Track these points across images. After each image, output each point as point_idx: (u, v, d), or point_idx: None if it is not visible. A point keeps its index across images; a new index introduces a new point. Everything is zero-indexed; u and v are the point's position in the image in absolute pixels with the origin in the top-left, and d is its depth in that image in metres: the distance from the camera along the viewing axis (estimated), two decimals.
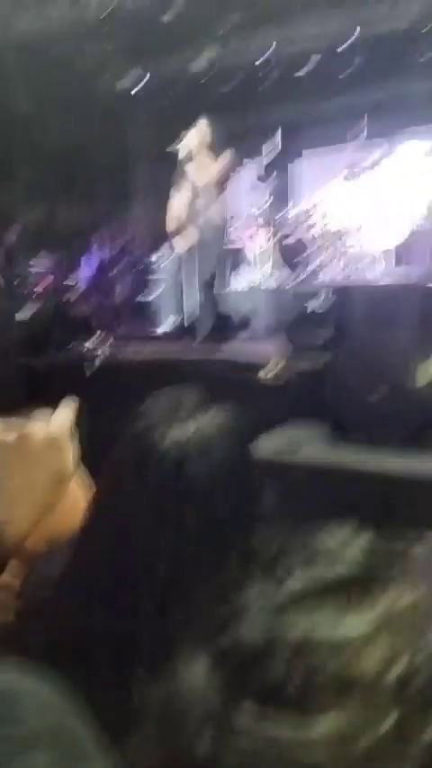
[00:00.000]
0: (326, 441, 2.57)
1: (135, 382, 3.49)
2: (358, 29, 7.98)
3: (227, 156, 4.25)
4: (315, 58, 8.36)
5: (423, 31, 7.77)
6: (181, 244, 4.44)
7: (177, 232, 4.45)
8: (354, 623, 0.42)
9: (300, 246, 6.00)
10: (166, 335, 5.06)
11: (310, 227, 6.17)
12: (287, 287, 5.51)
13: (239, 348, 3.94)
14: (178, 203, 4.40)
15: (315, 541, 0.90)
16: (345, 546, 0.67)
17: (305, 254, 5.95)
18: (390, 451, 2.39)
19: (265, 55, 8.44)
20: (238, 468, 0.99)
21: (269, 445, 2.54)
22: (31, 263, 6.84)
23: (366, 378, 2.63)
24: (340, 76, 8.41)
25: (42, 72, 8.07)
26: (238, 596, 0.69)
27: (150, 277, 5.76)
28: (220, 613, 0.67)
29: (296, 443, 2.56)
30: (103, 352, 3.67)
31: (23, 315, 3.88)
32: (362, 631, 0.42)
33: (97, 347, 3.67)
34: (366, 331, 2.74)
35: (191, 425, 0.95)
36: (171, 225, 4.49)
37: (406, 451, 2.40)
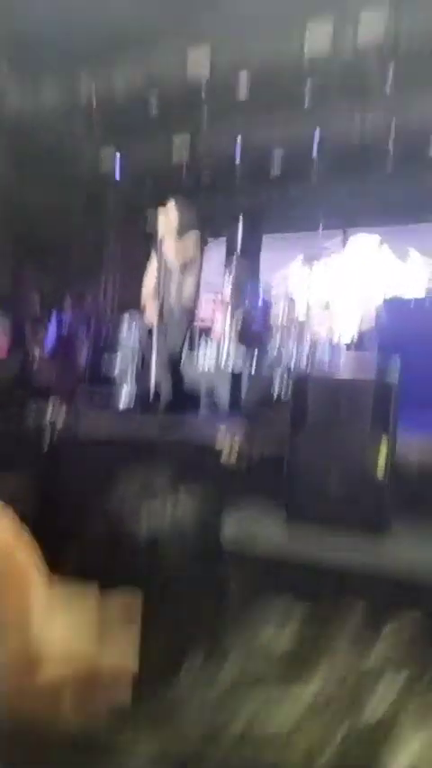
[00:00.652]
0: (283, 527, 2.57)
1: (93, 457, 3.45)
2: (318, 129, 8.58)
3: (192, 238, 4.40)
4: (279, 152, 8.90)
5: (379, 135, 8.40)
6: (151, 319, 4.52)
7: (148, 307, 4.54)
8: (287, 711, 0.45)
9: (260, 329, 6.17)
10: (128, 407, 5.04)
11: (271, 310, 6.36)
12: (248, 368, 5.61)
13: (201, 427, 3.96)
14: (150, 280, 4.51)
15: (258, 632, 0.93)
16: (279, 638, 0.72)
17: (266, 337, 6.11)
18: (345, 539, 2.41)
19: (234, 144, 8.95)
20: (209, 555, 1.00)
21: (228, 531, 2.52)
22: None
23: (323, 465, 2.68)
24: (301, 170, 8.96)
25: (27, 146, 8.32)
26: (184, 683, 0.71)
27: (115, 349, 5.79)
28: (165, 700, 0.69)
29: (254, 530, 2.55)
30: (61, 423, 3.62)
31: None
32: (294, 720, 0.45)
33: (56, 418, 3.63)
34: (323, 419, 2.81)
35: (165, 510, 0.97)
36: (144, 300, 4.59)
37: (362, 539, 2.42)
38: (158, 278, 4.39)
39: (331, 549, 2.40)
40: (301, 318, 6.29)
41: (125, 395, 5.35)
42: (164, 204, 4.50)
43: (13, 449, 3.38)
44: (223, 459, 3.33)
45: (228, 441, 3.37)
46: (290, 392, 3.11)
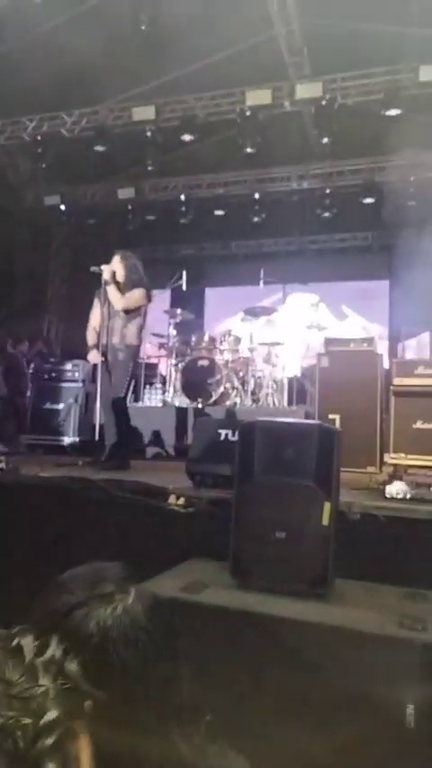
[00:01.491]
0: (229, 583, 2.48)
1: (37, 500, 3.28)
2: (258, 192, 8.90)
3: (136, 294, 4.39)
4: (219, 210, 9.15)
5: (318, 195, 8.78)
6: (94, 358, 4.44)
7: (93, 346, 4.46)
8: None
9: (207, 373, 6.16)
10: (72, 448, 4.87)
11: (217, 355, 6.38)
12: (192, 409, 5.57)
13: (149, 468, 3.85)
14: (95, 319, 4.44)
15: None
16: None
17: (212, 380, 6.10)
18: (290, 595, 2.34)
19: (178, 197, 9.13)
20: (165, 649, 0.92)
21: (173, 583, 2.41)
22: None
23: (269, 515, 2.62)
24: (242, 225, 9.21)
25: None
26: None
27: (62, 386, 5.62)
28: None
29: (199, 582, 2.45)
30: (2, 464, 3.44)
31: None
32: None
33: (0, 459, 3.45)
34: (270, 467, 2.76)
35: (116, 607, 0.89)
36: (89, 338, 4.50)
37: (306, 596, 2.36)
38: (102, 321, 4.33)
39: (276, 604, 2.33)
40: (245, 363, 6.34)
41: (70, 433, 5.18)
42: (110, 256, 4.48)
43: None
44: (171, 502, 3.24)
45: (177, 485, 3.29)
46: (236, 438, 3.07)
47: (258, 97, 7.17)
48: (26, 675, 0.45)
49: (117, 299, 4.33)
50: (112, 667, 0.80)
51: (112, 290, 4.33)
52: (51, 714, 0.44)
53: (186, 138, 7.67)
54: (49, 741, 0.43)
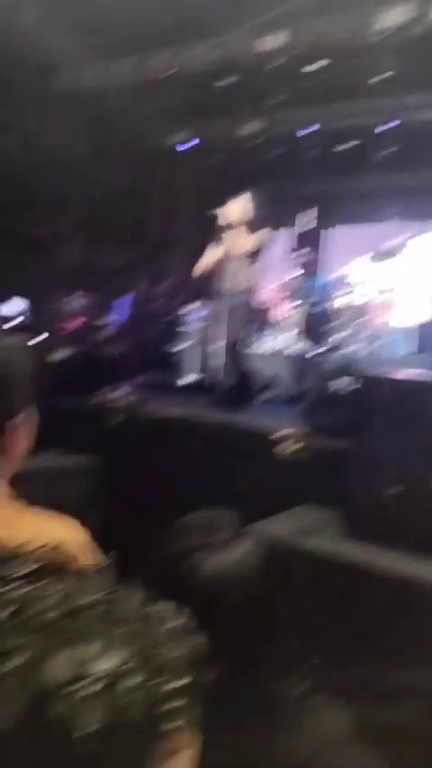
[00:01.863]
0: (337, 531, 2.47)
1: (156, 439, 3.44)
2: (398, 116, 8.20)
3: (264, 234, 4.29)
4: (354, 139, 8.58)
5: None
6: (215, 303, 4.45)
7: (204, 282, 4.48)
8: None
9: (326, 318, 5.99)
10: (188, 389, 5.01)
11: (338, 300, 6.17)
12: (310, 356, 5.48)
13: (260, 414, 3.89)
14: (210, 258, 4.42)
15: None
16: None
17: (330, 326, 5.93)
18: (402, 552, 2.29)
19: (308, 130, 8.68)
20: (276, 599, 0.94)
21: (280, 528, 2.45)
22: (65, 301, 6.86)
23: (384, 472, 2.55)
24: (377, 158, 8.59)
25: (102, 119, 8.32)
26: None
27: (179, 329, 5.74)
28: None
29: (307, 530, 2.47)
30: (125, 403, 3.62)
31: (54, 356, 3.85)
32: None
33: (121, 398, 3.63)
34: (389, 423, 2.67)
35: (228, 556, 0.92)
36: (197, 272, 4.51)
37: (418, 552, 2.30)
38: (222, 264, 4.32)
39: (386, 559, 2.29)
40: (368, 309, 6.07)
41: (186, 375, 5.32)
42: (237, 194, 4.39)
43: (80, 427, 3.41)
44: (281, 450, 3.25)
45: (289, 432, 3.29)
46: (356, 392, 2.99)
47: (398, 16, 6.50)
48: (165, 638, 0.48)
49: (242, 242, 4.26)
50: (226, 611, 0.83)
51: (237, 232, 4.26)
52: (182, 681, 0.46)
53: (318, 65, 7.20)
54: (177, 704, 0.45)
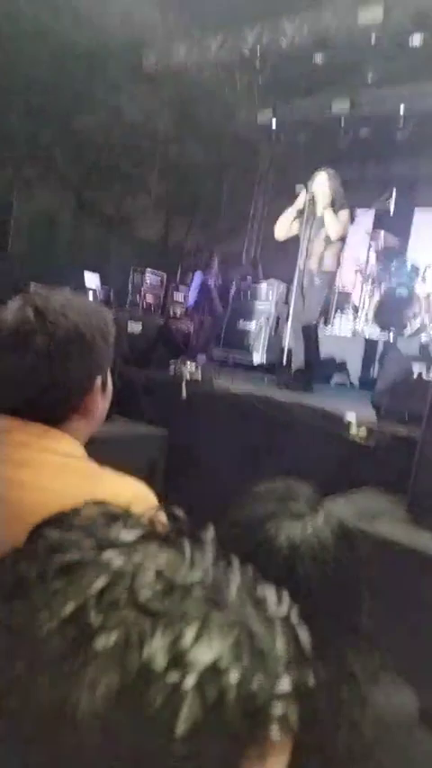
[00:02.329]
0: (400, 517, 2.43)
1: (225, 413, 3.48)
2: None
3: (345, 214, 4.19)
4: None
5: None
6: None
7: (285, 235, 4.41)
8: None
9: (404, 304, 5.82)
10: (260, 367, 5.02)
11: (418, 285, 5.96)
12: (386, 341, 5.35)
13: (331, 396, 3.85)
14: (288, 217, 4.35)
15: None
16: None
17: (409, 312, 5.75)
18: None
19: (394, 111, 8.33)
20: (348, 575, 0.93)
21: (346, 509, 2.44)
22: (145, 275, 6.98)
23: None
24: None
25: (190, 97, 8.31)
26: None
27: (255, 306, 5.73)
28: None
29: (370, 513, 2.45)
30: (198, 376, 3.67)
31: (134, 328, 3.95)
32: None
33: (194, 371, 3.69)
34: None
35: (306, 525, 0.91)
36: (279, 233, 4.45)
37: None
38: (301, 246, 4.25)
39: None
40: None
41: (261, 353, 5.31)
42: (314, 173, 4.30)
43: (152, 399, 3.49)
44: (353, 433, 3.21)
45: (361, 415, 3.24)
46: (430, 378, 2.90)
47: None
48: (267, 629, 0.41)
49: (331, 223, 4.17)
50: (297, 583, 0.83)
51: (329, 213, 4.17)
52: (284, 684, 0.40)
53: (416, 41, 6.85)
54: (278, 711, 0.39)
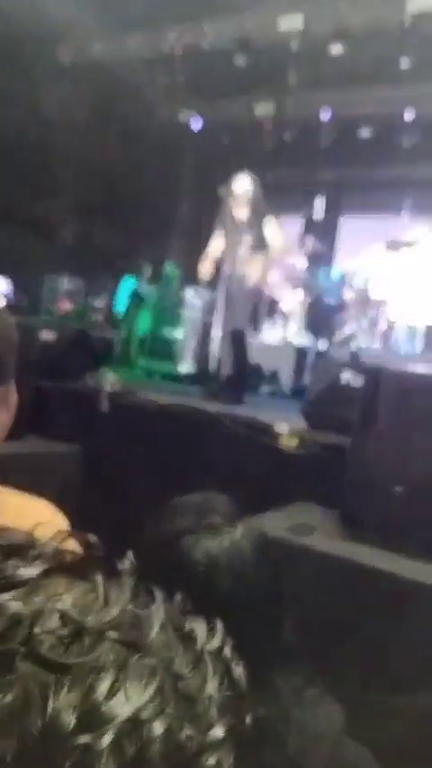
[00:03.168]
0: (337, 528, 2.45)
1: (148, 425, 3.41)
2: (413, 108, 8.16)
3: (270, 220, 4.26)
4: (366, 129, 8.53)
5: None
6: (218, 288, 4.42)
7: (211, 272, 4.43)
8: None
9: (333, 310, 5.97)
10: (187, 377, 4.98)
11: (346, 291, 6.14)
12: (315, 349, 5.46)
13: (262, 405, 3.86)
14: (217, 247, 4.38)
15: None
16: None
17: (338, 318, 5.91)
18: (401, 552, 2.27)
19: (321, 115, 8.64)
20: (268, 589, 0.92)
21: (280, 523, 2.43)
22: (62, 281, 6.81)
23: (386, 471, 2.52)
24: (391, 148, 8.55)
25: (108, 94, 8.24)
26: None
27: (180, 312, 5.70)
28: None
29: (306, 526, 2.45)
30: (116, 389, 3.58)
31: (47, 336, 3.81)
32: None
33: (116, 382, 3.59)
34: (393, 420, 2.64)
35: (224, 538, 0.89)
36: (204, 268, 4.46)
37: (418, 555, 2.27)
38: (226, 252, 4.27)
39: (382, 558, 2.26)
40: (379, 303, 6.04)
41: (186, 361, 5.28)
42: (236, 176, 4.34)
43: (68, 415, 3.37)
44: (283, 443, 3.23)
45: (290, 426, 3.26)
46: (361, 383, 2.96)
47: (423, 3, 6.47)
48: (195, 670, 0.37)
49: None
50: (216, 598, 0.81)
51: (242, 214, 4.20)
52: (217, 731, 0.36)
53: (336, 50, 7.15)
54: (211, 762, 0.35)
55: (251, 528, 0.91)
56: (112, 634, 0.35)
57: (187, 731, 0.34)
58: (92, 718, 0.32)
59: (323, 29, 7.14)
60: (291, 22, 7.17)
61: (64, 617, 0.34)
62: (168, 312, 5.83)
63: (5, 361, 1.04)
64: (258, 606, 0.85)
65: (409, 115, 8.28)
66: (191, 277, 6.99)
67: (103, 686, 0.33)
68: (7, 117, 7.41)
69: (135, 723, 0.32)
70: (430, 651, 1.92)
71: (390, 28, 6.83)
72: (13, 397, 1.08)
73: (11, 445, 1.14)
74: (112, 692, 0.32)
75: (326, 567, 2.22)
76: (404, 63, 6.79)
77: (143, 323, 6.05)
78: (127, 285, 6.60)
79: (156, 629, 0.37)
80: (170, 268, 7.21)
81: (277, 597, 0.90)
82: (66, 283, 6.92)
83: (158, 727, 0.33)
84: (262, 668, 0.81)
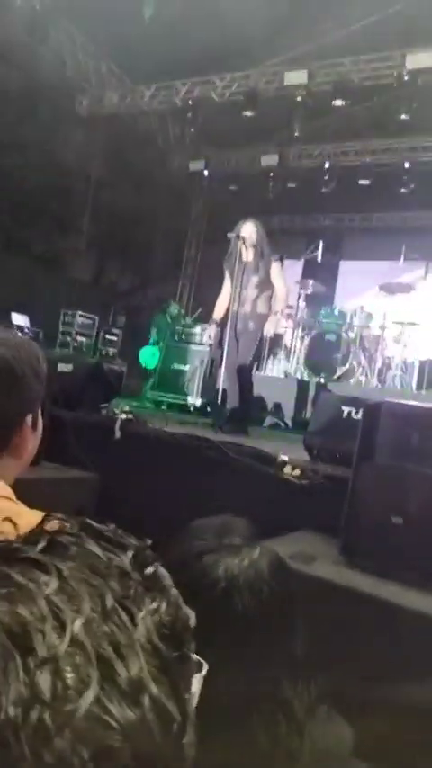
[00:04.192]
0: (337, 560, 2.46)
1: (159, 454, 3.44)
2: (408, 161, 8.40)
3: (273, 262, 4.37)
4: (364, 180, 8.76)
5: None
6: (212, 335, 4.55)
7: (219, 321, 4.53)
8: None
9: (333, 348, 6.04)
10: (195, 409, 5.03)
11: (345, 330, 6.23)
12: (316, 384, 5.51)
13: (263, 438, 3.90)
14: (226, 294, 4.48)
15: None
16: None
17: (338, 356, 5.98)
18: (400, 582, 2.28)
19: (320, 165, 8.88)
20: (283, 606, 0.94)
21: (282, 550, 2.44)
22: (76, 316, 6.92)
23: (387, 499, 2.55)
24: (387, 196, 8.76)
25: (122, 142, 8.51)
26: None
27: (189, 347, 5.78)
28: None
29: (307, 554, 2.46)
30: (127, 419, 3.63)
31: (65, 367, 3.88)
32: None
33: (128, 411, 3.64)
34: (393, 450, 2.67)
35: (243, 558, 0.92)
36: (217, 311, 4.56)
37: (416, 586, 2.28)
38: (234, 292, 4.37)
39: (381, 587, 2.27)
40: (377, 341, 6.12)
41: (193, 399, 5.33)
42: (243, 220, 4.47)
43: (83, 445, 3.41)
44: (287, 472, 3.25)
45: (290, 456, 3.29)
46: (360, 417, 3.00)
47: (420, 60, 6.73)
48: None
49: (255, 266, 4.32)
50: (235, 614, 0.84)
51: (248, 256, 4.32)
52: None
53: (338, 103, 7.40)
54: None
55: (269, 550, 0.94)
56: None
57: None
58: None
59: (324, 85, 7.41)
60: (295, 77, 7.44)
61: None
62: (176, 347, 5.92)
63: (36, 389, 1.09)
64: (274, 623, 0.88)
65: (405, 165, 8.51)
66: (200, 315, 7.11)
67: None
68: (28, 163, 7.65)
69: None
70: (423, 673, 1.92)
71: (389, 83, 7.09)
72: (40, 424, 1.13)
73: (29, 470, 1.18)
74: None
75: (326, 594, 2.23)
76: (403, 115, 7.02)
77: (153, 357, 6.13)
78: (149, 351, 6.63)
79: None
80: (174, 308, 7.34)
81: (292, 614, 0.93)
82: (79, 318, 7.03)
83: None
84: (277, 682, 0.84)
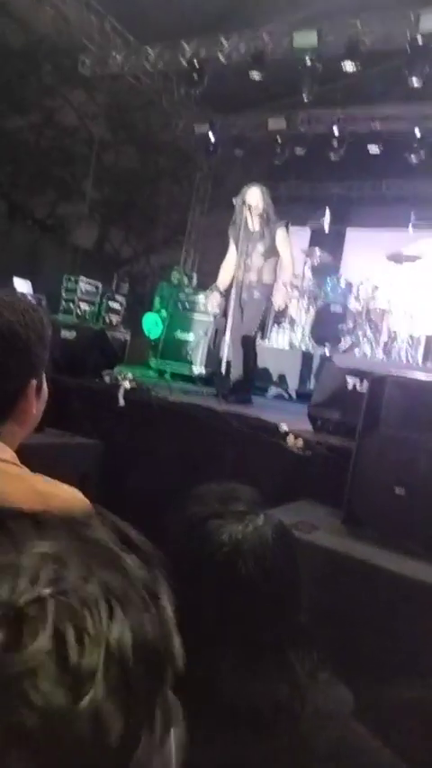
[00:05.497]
0: (338, 529, 2.48)
1: (163, 422, 3.45)
2: (419, 128, 8.20)
3: (281, 230, 4.30)
4: (374, 147, 8.56)
5: None
6: (216, 304, 4.49)
7: (227, 288, 4.48)
8: None
9: (339, 319, 6.00)
10: (199, 378, 5.02)
11: (351, 301, 6.18)
12: (323, 354, 5.49)
13: (270, 407, 3.89)
14: (231, 256, 4.42)
15: None
16: None
17: (343, 327, 5.94)
18: (402, 552, 2.30)
19: (330, 131, 8.68)
20: (286, 572, 0.95)
21: (284, 519, 2.46)
22: (79, 282, 6.86)
23: (390, 470, 2.56)
24: (396, 164, 8.59)
25: (128, 105, 8.32)
26: None
27: (193, 316, 5.75)
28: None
29: (309, 523, 2.48)
30: (130, 387, 3.62)
31: (67, 335, 3.86)
32: None
33: (132, 379, 3.63)
34: (397, 422, 2.67)
35: (248, 524, 0.93)
36: (222, 280, 4.49)
37: (418, 556, 2.30)
38: (239, 260, 4.31)
39: (382, 557, 2.29)
40: (384, 312, 6.06)
41: (199, 362, 5.31)
42: (248, 186, 4.37)
43: (86, 412, 3.42)
44: (290, 442, 3.26)
45: (294, 427, 3.30)
46: (365, 388, 2.99)
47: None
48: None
49: (261, 233, 4.24)
50: (239, 579, 0.84)
51: (254, 220, 4.24)
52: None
53: (348, 67, 7.18)
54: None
55: (272, 517, 0.94)
56: None
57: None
58: None
59: (337, 45, 7.18)
60: (305, 39, 7.21)
61: None
62: (180, 316, 5.87)
63: (40, 355, 1.08)
64: (277, 588, 0.88)
65: (416, 132, 8.31)
66: (203, 283, 7.04)
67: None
68: (29, 125, 7.49)
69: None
70: (423, 644, 1.95)
71: (402, 46, 6.87)
72: (45, 390, 1.12)
73: (33, 437, 1.18)
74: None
75: (327, 563, 2.25)
76: (415, 81, 6.81)
77: (156, 326, 6.10)
78: (151, 318, 6.58)
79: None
80: (178, 274, 7.25)
81: (294, 581, 0.94)
82: (82, 284, 6.97)
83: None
84: (279, 648, 0.85)
